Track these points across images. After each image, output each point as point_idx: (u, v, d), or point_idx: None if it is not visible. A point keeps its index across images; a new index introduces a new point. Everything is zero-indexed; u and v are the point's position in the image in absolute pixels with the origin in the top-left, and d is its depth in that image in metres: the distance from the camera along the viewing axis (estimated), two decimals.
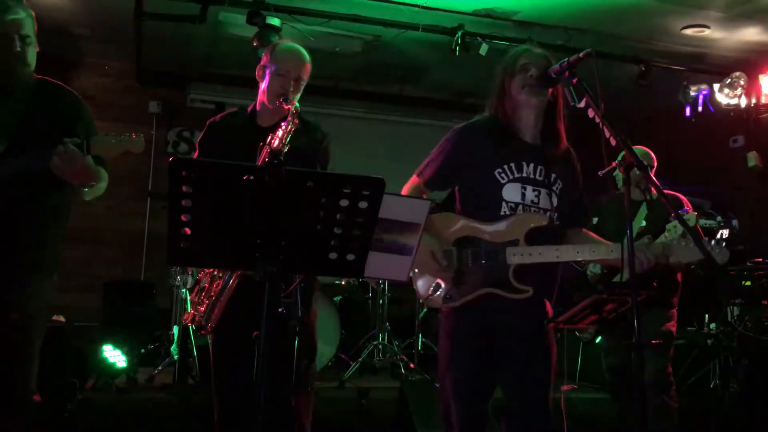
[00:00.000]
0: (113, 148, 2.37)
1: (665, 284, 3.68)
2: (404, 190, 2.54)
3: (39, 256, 2.47)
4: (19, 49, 2.39)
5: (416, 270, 2.43)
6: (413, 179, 2.56)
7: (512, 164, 2.42)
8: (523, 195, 2.41)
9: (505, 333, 2.39)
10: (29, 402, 2.41)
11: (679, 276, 3.81)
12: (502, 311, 2.37)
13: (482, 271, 2.36)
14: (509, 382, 2.41)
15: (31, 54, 2.46)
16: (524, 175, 2.43)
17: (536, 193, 2.43)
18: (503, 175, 2.41)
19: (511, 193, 2.41)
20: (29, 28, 2.44)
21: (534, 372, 2.39)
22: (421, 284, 2.45)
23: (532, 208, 2.41)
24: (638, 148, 3.63)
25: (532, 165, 2.44)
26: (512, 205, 2.40)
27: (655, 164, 3.94)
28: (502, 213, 2.40)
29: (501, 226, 2.38)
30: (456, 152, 2.48)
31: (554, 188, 2.45)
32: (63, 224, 2.59)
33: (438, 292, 2.39)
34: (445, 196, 2.71)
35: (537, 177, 2.44)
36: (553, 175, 2.46)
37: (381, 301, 5.62)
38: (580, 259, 2.44)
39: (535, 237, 2.36)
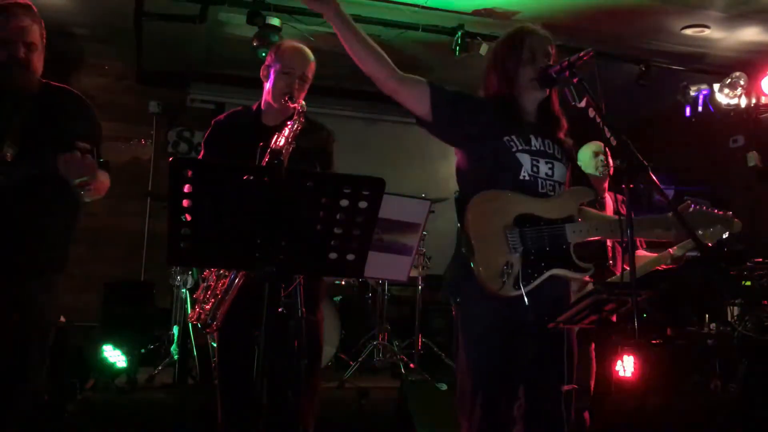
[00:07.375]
0: (121, 154, 2.41)
1: None
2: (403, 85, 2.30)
3: (53, 257, 2.48)
4: (23, 55, 2.39)
5: (478, 255, 2.21)
6: (417, 81, 2.32)
7: (520, 138, 2.32)
8: (537, 168, 2.32)
9: (532, 323, 2.22)
10: (34, 401, 2.42)
11: None
12: (548, 296, 2.25)
13: (545, 252, 2.26)
14: (530, 375, 2.27)
15: (37, 60, 2.46)
16: (533, 147, 2.33)
17: (549, 165, 2.35)
18: (512, 143, 2.31)
19: (525, 162, 2.31)
20: (35, 36, 2.44)
21: (555, 366, 2.27)
22: (484, 270, 2.20)
23: (548, 182, 2.33)
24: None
25: (540, 138, 2.36)
26: (529, 174, 2.30)
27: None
28: (521, 177, 2.28)
29: (555, 201, 2.31)
30: (467, 106, 2.35)
31: (564, 161, 2.41)
32: (75, 224, 2.58)
33: (507, 277, 2.18)
34: (458, 193, 2.47)
35: (547, 150, 2.36)
36: (561, 150, 2.41)
37: (381, 301, 5.62)
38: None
39: None
